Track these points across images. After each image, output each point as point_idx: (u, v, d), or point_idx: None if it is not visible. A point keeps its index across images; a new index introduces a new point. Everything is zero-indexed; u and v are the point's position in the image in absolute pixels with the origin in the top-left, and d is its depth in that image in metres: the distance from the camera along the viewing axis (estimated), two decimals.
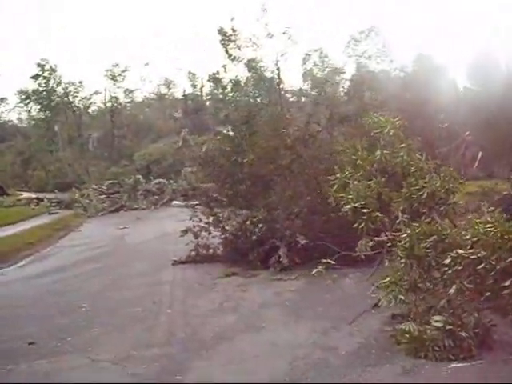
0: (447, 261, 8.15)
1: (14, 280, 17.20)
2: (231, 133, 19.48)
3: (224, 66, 51.69)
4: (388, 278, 8.54)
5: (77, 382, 8.34)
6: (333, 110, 19.06)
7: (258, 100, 48.95)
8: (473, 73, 39.61)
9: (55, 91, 60.49)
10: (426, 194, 9.33)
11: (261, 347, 9.23)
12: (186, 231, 17.37)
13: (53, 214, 35.25)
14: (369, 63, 51.24)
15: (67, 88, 60.83)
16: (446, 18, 69.95)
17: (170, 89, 70.23)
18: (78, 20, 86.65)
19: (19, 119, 68.73)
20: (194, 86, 67.02)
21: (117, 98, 61.94)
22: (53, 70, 59.42)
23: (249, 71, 52.34)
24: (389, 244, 9.88)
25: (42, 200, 40.82)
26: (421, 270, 8.54)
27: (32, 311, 12.84)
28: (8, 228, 27.15)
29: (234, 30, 48.39)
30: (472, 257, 7.98)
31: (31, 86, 60.41)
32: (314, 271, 9.91)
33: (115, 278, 16.08)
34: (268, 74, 51.18)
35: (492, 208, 9.79)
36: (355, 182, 9.46)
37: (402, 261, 8.57)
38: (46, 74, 59.32)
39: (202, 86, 66.34)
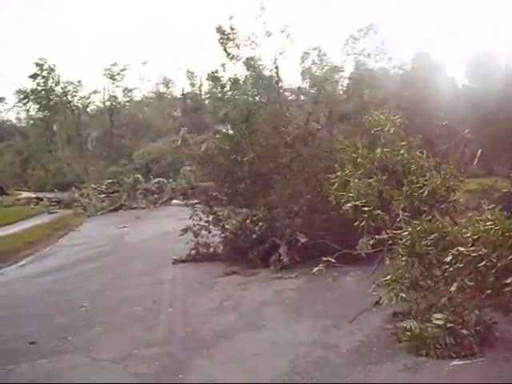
0: (448, 258, 8.14)
1: (14, 279, 17.20)
2: (230, 131, 19.45)
3: (223, 65, 51.72)
4: (389, 276, 8.54)
5: (78, 381, 8.34)
6: (332, 108, 19.05)
7: (257, 98, 48.91)
8: (471, 70, 39.64)
9: (54, 90, 60.44)
10: (426, 192, 9.33)
11: (261, 346, 9.23)
12: (185, 230, 17.36)
13: (52, 213, 35.22)
14: (367, 61, 51.33)
15: (66, 87, 60.82)
16: (444, 16, 69.97)
17: (168, 88, 70.27)
18: (77, 20, 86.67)
19: (18, 119, 68.85)
20: (193, 85, 67.07)
21: (115, 97, 61.96)
22: (51, 70, 59.39)
23: (247, 70, 52.32)
24: (389, 242, 9.85)
25: (41, 199, 40.78)
26: (422, 268, 8.53)
27: (32, 311, 12.84)
28: (7, 227, 27.14)
29: (232, 29, 48.39)
30: (473, 254, 7.97)
31: (30, 85, 60.49)
32: (315, 269, 9.91)
33: (115, 277, 16.08)
34: (266, 73, 51.22)
35: (492, 206, 9.78)
36: (356, 180, 9.45)
37: (403, 259, 8.56)
38: (44, 73, 59.28)
39: (201, 85, 66.41)
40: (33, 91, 60.28)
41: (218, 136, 20.85)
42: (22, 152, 58.25)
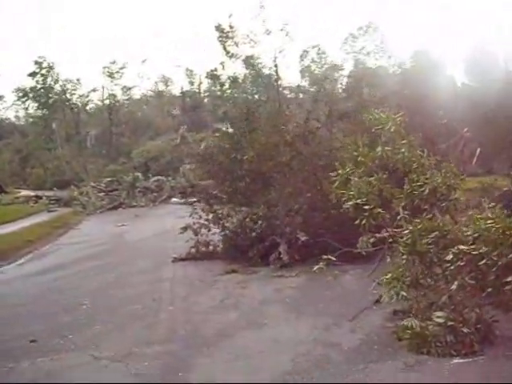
0: (449, 257, 8.17)
1: (14, 278, 17.15)
2: (230, 130, 19.46)
3: (222, 63, 51.69)
4: (390, 274, 8.56)
5: (79, 379, 8.33)
6: (332, 106, 19.05)
7: (256, 97, 48.88)
8: (471, 69, 39.61)
9: (53, 89, 60.45)
10: (427, 191, 9.34)
11: (263, 344, 9.23)
12: (185, 228, 17.38)
13: (51, 211, 35.16)
14: (367, 59, 51.33)
15: (65, 85, 60.86)
16: (443, 14, 69.84)
17: (167, 86, 70.26)
18: (77, 20, 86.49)
19: (17, 117, 68.83)
20: (192, 83, 67.04)
21: (114, 96, 61.95)
22: (50, 68, 59.36)
23: (246, 68, 52.29)
24: (390, 240, 9.87)
25: (40, 198, 40.69)
26: (422, 266, 8.56)
27: (32, 309, 12.81)
28: (7, 226, 27.03)
29: (231, 27, 48.34)
30: (474, 253, 8.00)
31: (29, 83, 60.44)
32: (315, 268, 9.94)
33: (115, 276, 16.07)
34: (266, 71, 51.17)
35: (493, 204, 9.80)
36: (356, 179, 9.46)
37: (404, 257, 8.58)
38: (43, 71, 59.26)
39: (200, 83, 66.37)
40: (32, 89, 60.24)
41: (217, 134, 20.87)
42: (21, 150, 58.19)
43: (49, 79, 59.71)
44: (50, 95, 60.21)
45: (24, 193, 44.87)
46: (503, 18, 54.43)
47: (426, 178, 9.45)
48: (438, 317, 8.24)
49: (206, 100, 65.82)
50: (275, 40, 45.93)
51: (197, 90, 67.63)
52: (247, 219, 16.17)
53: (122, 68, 59.69)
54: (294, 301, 11.92)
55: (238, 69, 51.81)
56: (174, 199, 38.09)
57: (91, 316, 11.77)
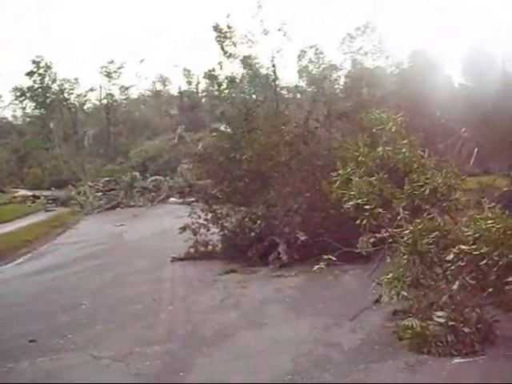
0: (450, 257, 8.18)
1: (12, 277, 17.12)
2: (228, 129, 19.45)
3: (220, 63, 51.62)
4: (391, 274, 8.56)
5: (80, 379, 8.33)
6: (330, 106, 19.05)
7: (254, 97, 48.84)
8: (468, 69, 39.71)
9: (50, 88, 60.30)
10: (428, 191, 9.36)
11: (263, 344, 9.23)
12: (184, 228, 17.37)
13: (49, 211, 35.10)
14: (364, 60, 51.34)
15: (62, 85, 60.70)
16: (441, 14, 70.02)
17: (165, 86, 70.21)
18: (77, 20, 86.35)
19: (14, 116, 68.61)
20: (190, 83, 67.00)
21: (112, 95, 61.77)
22: (48, 67, 59.22)
23: (244, 68, 52.25)
24: (390, 240, 9.88)
25: (38, 197, 40.65)
26: (423, 266, 8.57)
27: (31, 309, 12.79)
28: (4, 225, 27.03)
29: (229, 27, 48.27)
30: (474, 253, 8.02)
31: (26, 83, 60.32)
32: (316, 267, 9.92)
33: (114, 276, 16.05)
34: (263, 71, 51.11)
35: (493, 204, 9.83)
36: (357, 179, 9.47)
37: (405, 257, 8.59)
38: (41, 70, 59.12)
39: (198, 83, 66.31)
40: (29, 89, 60.11)
41: (214, 134, 20.86)
42: (19, 150, 58.10)
43: (46, 79, 59.58)
44: (48, 95, 60.09)
45: (21, 192, 44.80)
46: (501, 18, 54.52)
47: (427, 178, 9.46)
48: (439, 316, 8.25)
49: (203, 100, 65.74)
50: (273, 40, 45.84)
51: (194, 90, 67.61)
52: (246, 219, 16.16)
53: (119, 68, 59.62)
54: (293, 300, 11.92)
55: (235, 69, 51.74)
56: (171, 199, 38.05)
57: (91, 316, 11.75)
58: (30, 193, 43.49)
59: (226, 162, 17.44)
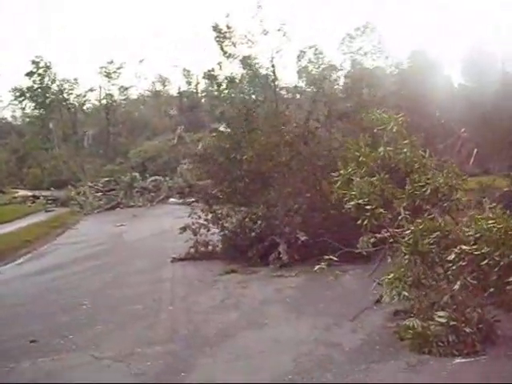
0: (451, 257, 8.19)
1: (13, 278, 17.11)
2: (228, 130, 19.44)
3: (219, 64, 51.61)
4: (392, 274, 8.56)
5: (81, 380, 8.33)
6: (331, 106, 19.05)
7: (253, 97, 48.82)
8: (468, 69, 39.71)
9: (50, 88, 60.22)
10: (429, 191, 9.36)
11: (264, 344, 9.24)
12: (184, 228, 17.37)
13: (49, 211, 35.06)
14: (364, 60, 51.34)
15: (62, 85, 60.63)
16: (440, 14, 70.02)
17: (165, 86, 70.19)
18: (77, 20, 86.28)
19: (13, 117, 68.55)
20: (189, 84, 66.99)
21: (112, 96, 61.71)
22: (47, 67, 59.15)
23: (244, 68, 52.23)
24: (391, 240, 9.88)
25: (37, 198, 40.58)
26: (424, 266, 8.58)
27: (32, 309, 12.79)
28: (4, 226, 26.99)
29: (228, 27, 48.26)
30: (475, 253, 8.02)
31: (26, 83, 60.26)
32: (317, 267, 9.90)
33: (114, 276, 16.05)
34: (263, 71, 51.10)
35: (493, 204, 9.85)
36: (358, 179, 9.47)
37: (406, 257, 8.59)
38: (40, 71, 59.05)
39: (197, 83, 66.30)
40: (29, 89, 60.01)
41: (214, 134, 20.86)
42: (18, 150, 58.05)
43: (46, 79, 59.51)
44: (47, 95, 60.03)
45: (21, 193, 44.77)
46: (501, 18, 54.54)
47: (428, 179, 9.46)
48: (440, 317, 8.26)
49: (203, 100, 65.70)
50: (272, 40, 45.86)
51: (194, 90, 67.59)
52: (246, 219, 16.17)
53: (119, 68, 59.54)
54: (294, 301, 11.93)
55: (235, 69, 51.73)
56: (171, 199, 38.03)
57: (91, 316, 11.75)
58: (29, 193, 43.44)
59: (226, 162, 17.44)
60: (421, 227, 8.62)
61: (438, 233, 8.59)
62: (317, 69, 55.07)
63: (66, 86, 60.90)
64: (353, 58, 52.43)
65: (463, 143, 28.45)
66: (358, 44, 52.08)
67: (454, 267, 8.21)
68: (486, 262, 7.93)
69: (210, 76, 57.59)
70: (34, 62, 58.59)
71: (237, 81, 52.85)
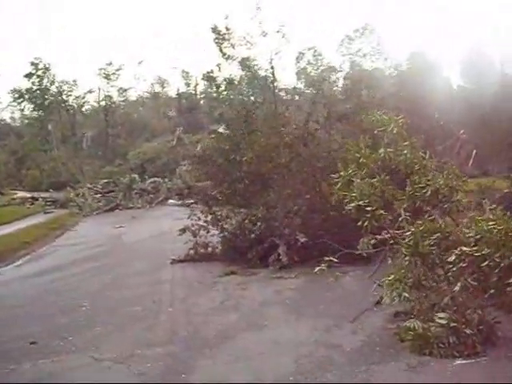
0: (451, 258, 8.19)
1: (12, 279, 17.11)
2: (227, 131, 19.43)
3: (218, 65, 51.63)
4: (392, 276, 8.56)
5: (81, 381, 8.33)
6: (330, 108, 19.05)
7: (252, 98, 48.81)
8: (467, 71, 39.75)
9: (49, 90, 60.11)
10: (429, 192, 9.36)
11: (264, 345, 9.24)
12: (184, 230, 17.34)
13: (48, 213, 35.05)
14: (363, 61, 51.39)
15: (61, 87, 60.53)
16: (439, 16, 70.17)
17: (163, 87, 70.18)
18: (77, 20, 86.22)
19: (12, 118, 68.35)
20: (188, 85, 66.98)
21: (110, 97, 61.68)
22: (46, 69, 59.08)
23: (242, 70, 52.24)
24: (391, 242, 9.88)
25: (36, 199, 40.55)
26: (425, 268, 8.58)
27: (31, 311, 12.80)
28: (3, 227, 26.99)
29: (227, 29, 48.27)
30: (476, 254, 8.02)
31: (25, 84, 60.20)
32: (317, 269, 9.88)
33: (114, 277, 16.04)
34: (262, 73, 51.11)
35: (493, 206, 9.85)
36: (358, 180, 9.47)
37: (406, 258, 8.59)
38: (39, 72, 58.99)
39: (196, 85, 66.32)
40: (28, 90, 59.90)
41: (213, 136, 20.85)
42: (17, 152, 57.92)
43: (45, 80, 59.41)
44: (46, 96, 59.92)
45: (20, 194, 44.72)
46: (500, 20, 54.50)
47: (428, 180, 9.46)
48: (441, 318, 8.27)
49: (202, 102, 65.74)
50: (271, 42, 45.85)
51: (193, 92, 67.62)
52: (246, 221, 16.17)
53: (118, 70, 59.47)
54: (294, 302, 11.93)
55: (234, 70, 51.75)
56: (170, 201, 38.00)
57: (90, 318, 11.76)
58: (28, 195, 43.40)
59: (226, 163, 17.43)
60: (421, 228, 8.62)
61: (438, 234, 8.59)
62: (316, 70, 55.12)
63: (64, 87, 60.84)
64: (352, 59, 52.53)
65: (462, 145, 28.41)
66: (357, 45, 52.27)
67: (454, 269, 8.21)
68: (486, 263, 7.93)
69: (208, 77, 57.63)
70: (32, 64, 58.55)
71: (236, 82, 52.87)
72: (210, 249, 17.05)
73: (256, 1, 44.56)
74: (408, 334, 8.50)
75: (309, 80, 51.55)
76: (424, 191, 9.38)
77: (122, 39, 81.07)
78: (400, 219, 9.50)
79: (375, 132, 10.25)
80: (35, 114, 61.78)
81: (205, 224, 17.15)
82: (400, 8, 68.37)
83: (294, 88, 53.61)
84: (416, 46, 48.84)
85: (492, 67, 37.19)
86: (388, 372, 7.78)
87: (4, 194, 45.39)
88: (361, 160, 9.67)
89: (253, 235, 15.84)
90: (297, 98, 48.40)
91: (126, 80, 64.46)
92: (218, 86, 56.35)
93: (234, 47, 48.56)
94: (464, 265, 8.13)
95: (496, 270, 7.90)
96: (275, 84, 47.47)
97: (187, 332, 10.33)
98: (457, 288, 8.06)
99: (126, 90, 63.19)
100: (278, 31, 45.65)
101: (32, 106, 61.30)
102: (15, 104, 62.59)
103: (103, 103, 61.94)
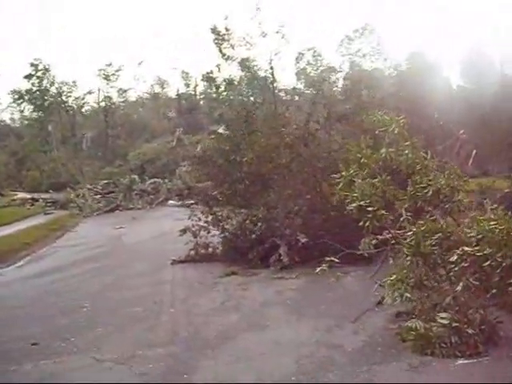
0: (453, 258, 8.18)
1: (13, 280, 17.12)
2: (227, 132, 19.43)
3: (218, 66, 51.62)
4: (394, 276, 8.55)
5: (83, 382, 8.32)
6: (330, 108, 19.04)
7: (252, 99, 48.79)
8: (466, 71, 39.77)
9: (48, 91, 60.07)
10: (430, 192, 9.35)
11: (266, 346, 9.23)
12: (184, 230, 17.34)
13: (48, 214, 35.05)
14: (362, 62, 51.39)
15: (61, 88, 60.52)
16: (439, 16, 70.11)
17: (163, 88, 70.14)
18: (77, 20, 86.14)
19: (12, 119, 68.23)
20: (188, 86, 66.97)
21: (110, 98, 61.64)
22: (46, 70, 59.03)
23: (242, 70, 52.24)
24: (393, 242, 9.87)
25: (36, 200, 40.54)
26: (426, 268, 8.57)
27: (32, 311, 12.81)
28: (3, 228, 26.95)
29: (227, 29, 48.27)
30: (478, 254, 8.01)
31: (24, 85, 60.17)
32: (318, 269, 9.85)
33: (114, 278, 16.05)
34: (261, 73, 51.10)
35: (495, 205, 9.85)
36: (360, 181, 9.46)
37: (408, 258, 8.58)
38: (39, 73, 58.94)
39: (196, 86, 66.31)
40: (27, 91, 59.87)
41: (213, 136, 20.85)
42: (17, 152, 57.85)
43: (44, 81, 59.36)
44: (46, 97, 59.87)
45: (20, 195, 44.65)
46: (499, 20, 54.49)
47: (430, 180, 9.45)
48: (443, 318, 8.26)
49: (201, 102, 65.69)
50: (271, 42, 45.85)
51: (192, 93, 67.57)
52: (247, 221, 16.20)
53: (117, 70, 59.40)
54: (295, 303, 11.93)
55: (233, 71, 51.74)
56: (170, 201, 38.00)
57: (91, 318, 11.76)
58: (28, 196, 43.35)
59: (226, 164, 17.43)
60: (423, 228, 8.61)
61: (440, 234, 8.58)
62: (315, 71, 55.11)
63: (64, 88, 60.78)
64: (351, 59, 52.51)
65: (462, 145, 28.40)
66: (357, 46, 52.27)
67: (456, 268, 8.20)
68: (488, 263, 7.92)
69: (208, 78, 57.60)
70: (32, 65, 58.50)
71: (235, 83, 52.85)
72: (210, 249, 17.06)
73: (256, 1, 44.57)
74: (410, 334, 8.50)
75: (308, 80, 51.55)
76: (425, 191, 9.37)
77: (121, 39, 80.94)
78: (401, 219, 9.49)
79: (376, 132, 10.24)
80: (35, 114, 61.74)
81: (205, 224, 17.15)
82: (400, 8, 68.38)
83: (294, 88, 53.59)
84: (415, 46, 48.96)
85: (492, 67, 37.22)
86: (390, 372, 7.77)
87: (4, 195, 45.34)
88: (362, 160, 9.66)
89: (253, 236, 15.86)
90: (296, 98, 48.37)
91: (126, 81, 64.85)
92: (217, 87, 56.34)
93: (233, 48, 48.54)
94: (466, 265, 8.12)
95: (498, 270, 7.88)
96: (275, 84, 47.47)
97: (188, 332, 10.32)
98: (459, 288, 8.05)
99: (125, 91, 63.17)
100: (277, 32, 45.64)
101: (32, 106, 61.28)
102: (15, 105, 62.63)
103: (103, 104, 61.90)
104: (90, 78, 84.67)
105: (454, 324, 8.11)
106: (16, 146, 59.04)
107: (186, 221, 17.67)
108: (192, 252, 17.04)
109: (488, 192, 17.38)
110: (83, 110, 64.55)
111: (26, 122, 63.82)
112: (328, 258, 9.82)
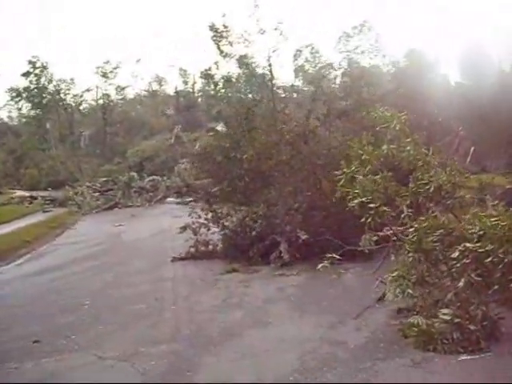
0: (455, 254, 8.21)
1: (13, 278, 17.09)
2: (226, 129, 19.43)
3: (216, 63, 51.56)
4: (396, 272, 8.58)
5: (85, 380, 8.32)
6: (330, 105, 19.05)
7: (250, 96, 48.73)
8: (465, 68, 39.72)
9: (46, 89, 59.93)
10: (432, 188, 9.37)
11: (269, 342, 9.24)
12: (184, 228, 17.35)
13: (47, 211, 35.02)
14: (361, 58, 51.36)
15: (58, 85, 60.39)
16: (437, 13, 70.07)
17: (161, 86, 70.08)
18: (77, 19, 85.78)
19: (10, 117, 68.12)
20: (186, 83, 66.92)
21: (108, 95, 61.55)
22: (44, 68, 58.90)
23: (240, 67, 52.18)
24: (394, 238, 9.90)
25: (35, 198, 40.49)
26: (428, 264, 8.60)
27: (33, 310, 12.77)
28: (3, 226, 26.90)
29: (225, 27, 48.18)
30: (479, 250, 8.04)
31: (22, 83, 60.04)
32: (320, 266, 9.87)
33: (115, 276, 16.03)
34: (259, 70, 51.03)
35: (496, 202, 9.88)
36: (361, 177, 9.48)
37: (410, 255, 8.61)
38: (37, 71, 58.83)
39: (194, 83, 66.25)
40: (25, 89, 59.71)
41: (211, 133, 20.85)
42: (15, 150, 57.72)
43: (42, 79, 59.24)
44: (44, 95, 59.75)
45: (19, 193, 44.54)
46: (498, 17, 54.60)
47: (431, 176, 9.47)
48: (444, 314, 8.29)
49: (200, 99, 65.63)
50: (269, 39, 45.71)
51: (191, 90, 67.47)
52: (247, 218, 16.18)
53: (115, 68, 59.30)
54: (297, 299, 11.95)
55: (231, 68, 51.66)
56: (169, 199, 38.00)
57: (93, 316, 11.75)
58: (27, 193, 43.23)
59: (226, 161, 17.42)
60: (424, 225, 8.64)
61: (441, 230, 8.62)
62: (313, 68, 55.10)
63: (62, 86, 60.65)
64: (349, 56, 52.47)
65: (460, 141, 28.46)
66: (355, 43, 52.18)
67: (457, 265, 8.23)
68: (489, 259, 7.95)
69: (206, 75, 57.50)
70: (30, 62, 58.33)
71: (233, 80, 52.78)
72: (210, 246, 17.06)
73: None
74: (412, 330, 8.53)
75: (307, 77, 51.57)
76: (427, 187, 9.39)
77: (121, 39, 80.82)
78: (403, 215, 9.51)
79: (377, 129, 10.26)
80: (33, 112, 61.60)
81: (205, 222, 17.16)
82: (398, 5, 68.32)
83: (292, 85, 53.57)
84: (414, 43, 48.98)
85: (490, 64, 37.14)
86: (392, 368, 7.79)
87: (2, 193, 45.21)
88: (363, 157, 9.68)
89: (254, 233, 15.86)
90: (295, 95, 48.37)
91: (124, 78, 64.73)
92: (215, 84, 56.22)
93: (231, 45, 48.41)
94: (467, 261, 8.14)
95: (499, 266, 7.90)
96: (273, 81, 47.43)
97: (191, 330, 10.31)
98: (460, 284, 8.08)
99: (123, 89, 63.12)
100: (275, 29, 45.51)
101: (30, 104, 61.12)
102: (13, 103, 62.41)
103: (101, 101, 61.74)
104: (88, 75, 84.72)
105: (456, 320, 8.14)
106: (14, 144, 58.90)
107: (184, 218, 17.71)
108: (192, 249, 17.03)
109: (488, 188, 17.40)
110: (81, 107, 64.43)
111: (24, 120, 63.71)
112: (329, 255, 9.84)
